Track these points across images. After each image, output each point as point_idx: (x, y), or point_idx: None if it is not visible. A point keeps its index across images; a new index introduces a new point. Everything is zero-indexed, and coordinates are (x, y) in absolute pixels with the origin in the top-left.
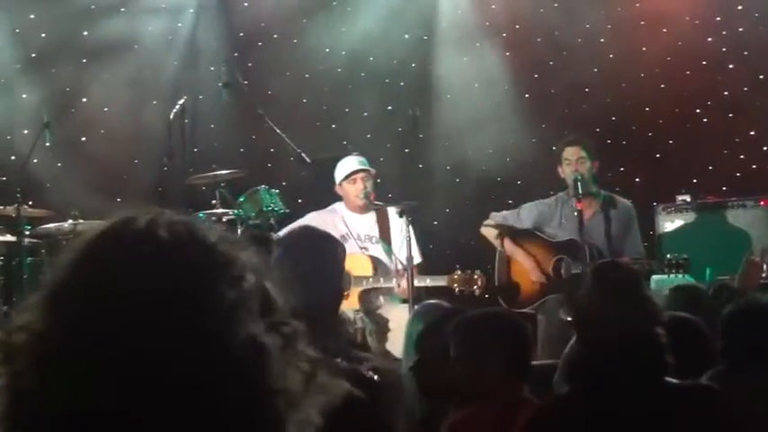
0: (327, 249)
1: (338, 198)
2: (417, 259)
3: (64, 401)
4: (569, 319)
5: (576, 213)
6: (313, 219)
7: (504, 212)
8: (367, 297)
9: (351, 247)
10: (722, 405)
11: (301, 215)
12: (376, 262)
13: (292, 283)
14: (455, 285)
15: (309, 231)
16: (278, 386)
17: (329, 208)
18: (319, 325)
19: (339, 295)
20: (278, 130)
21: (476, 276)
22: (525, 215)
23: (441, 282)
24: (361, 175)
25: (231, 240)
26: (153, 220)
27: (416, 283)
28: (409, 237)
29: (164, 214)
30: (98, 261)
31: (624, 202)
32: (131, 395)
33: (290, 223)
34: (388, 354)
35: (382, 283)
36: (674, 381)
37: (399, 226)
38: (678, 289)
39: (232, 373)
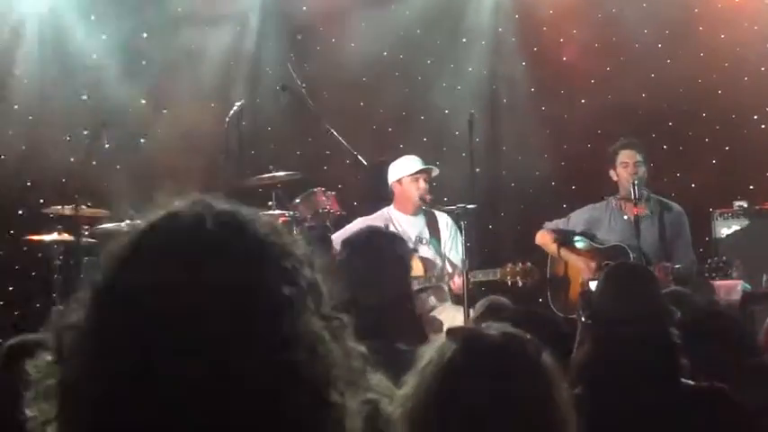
0: (393, 249)
1: (387, 203)
2: (460, 257)
3: (115, 399)
4: (583, 319)
5: (625, 217)
6: (361, 223)
7: (557, 221)
8: (418, 298)
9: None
10: (736, 408)
11: (357, 217)
12: (426, 263)
13: (360, 283)
14: (508, 277)
15: (375, 231)
16: (331, 378)
17: (376, 214)
18: (387, 322)
19: (407, 293)
20: (334, 133)
21: (528, 268)
22: (575, 221)
23: (493, 275)
24: (424, 175)
25: (282, 232)
26: (200, 214)
27: (473, 278)
28: (464, 239)
29: (211, 206)
30: (145, 257)
31: (676, 206)
32: (185, 393)
33: (345, 225)
34: None
35: (434, 283)
36: (689, 382)
37: (448, 229)
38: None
39: (289, 368)
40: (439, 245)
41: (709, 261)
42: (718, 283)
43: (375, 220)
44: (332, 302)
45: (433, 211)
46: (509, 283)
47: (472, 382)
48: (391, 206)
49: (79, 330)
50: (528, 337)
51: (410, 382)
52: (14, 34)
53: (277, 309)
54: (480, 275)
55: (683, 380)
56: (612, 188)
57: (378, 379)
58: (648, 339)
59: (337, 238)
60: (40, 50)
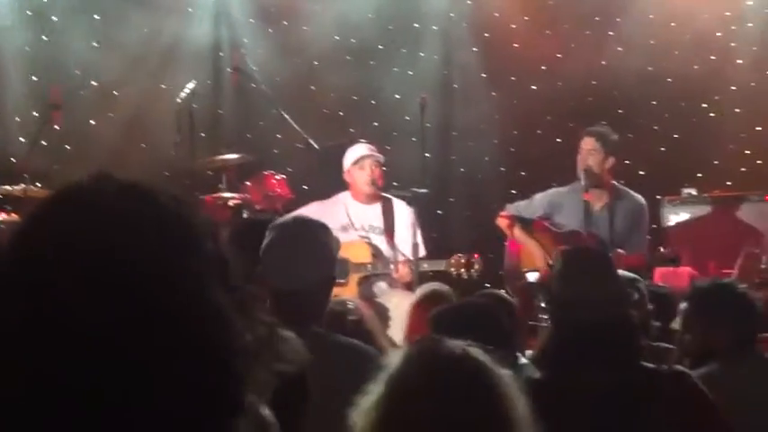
0: (318, 237)
1: (344, 187)
2: (422, 252)
3: (25, 381)
4: (543, 304)
5: (582, 204)
6: (314, 209)
7: (518, 203)
8: (366, 284)
9: (351, 236)
10: (695, 390)
11: (307, 202)
12: (375, 250)
13: (282, 267)
14: (453, 269)
15: (301, 219)
16: (238, 348)
17: (333, 198)
18: (306, 309)
19: (328, 282)
20: (286, 116)
21: (472, 260)
22: (537, 204)
23: (438, 266)
24: (369, 161)
25: (186, 204)
26: (98, 183)
27: (421, 267)
28: (415, 224)
29: (112, 179)
30: (43, 233)
31: (636, 197)
32: (91, 372)
33: (295, 209)
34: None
35: (381, 270)
36: (649, 365)
37: (405, 218)
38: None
39: (197, 338)
40: (392, 233)
41: (662, 251)
42: (665, 270)
43: (329, 204)
44: (241, 276)
45: (391, 199)
46: (454, 273)
47: (428, 401)
48: (348, 192)
49: None
50: (483, 353)
51: (374, 391)
52: None
53: (177, 278)
54: (426, 265)
55: (643, 363)
56: (566, 175)
57: (290, 346)
58: (607, 323)
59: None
60: None
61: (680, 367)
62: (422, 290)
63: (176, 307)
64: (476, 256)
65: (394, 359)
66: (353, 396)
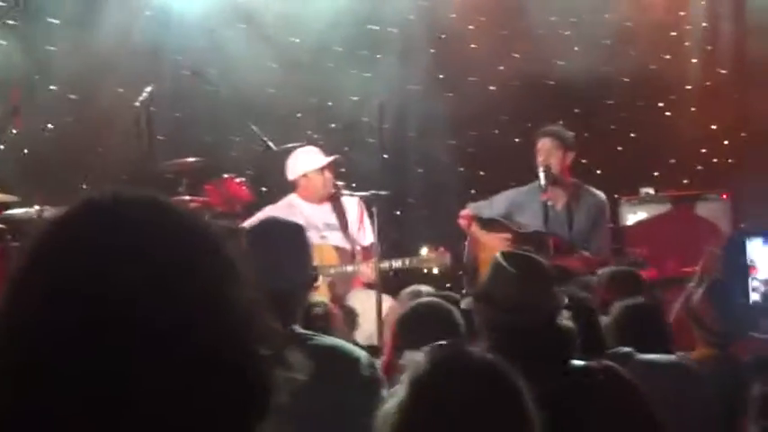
0: (296, 238)
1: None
2: (371, 239)
3: (35, 397)
4: (466, 307)
5: (549, 203)
6: (269, 213)
7: (479, 203)
8: (334, 286)
9: (312, 237)
10: (625, 383)
11: (266, 204)
12: (339, 251)
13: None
14: (423, 265)
15: (278, 221)
16: (265, 350)
17: (284, 201)
18: (287, 311)
19: (309, 283)
20: (245, 120)
21: (442, 254)
22: (498, 204)
23: (409, 263)
24: (326, 166)
25: (199, 213)
26: (116, 198)
27: (387, 266)
28: (372, 223)
29: (126, 192)
30: (62, 246)
31: (597, 195)
32: (116, 374)
33: (256, 212)
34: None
35: (349, 271)
36: (579, 362)
37: (356, 213)
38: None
39: (224, 340)
40: (346, 227)
41: (629, 256)
42: None
43: (280, 208)
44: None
45: (339, 197)
46: (424, 270)
47: (456, 406)
48: (294, 195)
49: None
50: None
51: (393, 400)
52: None
53: (205, 285)
54: (395, 263)
55: (573, 361)
56: (524, 175)
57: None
58: (538, 327)
59: (248, 226)
60: None
61: (609, 362)
62: (406, 293)
63: (206, 311)
64: (443, 249)
65: (416, 363)
66: (336, 397)
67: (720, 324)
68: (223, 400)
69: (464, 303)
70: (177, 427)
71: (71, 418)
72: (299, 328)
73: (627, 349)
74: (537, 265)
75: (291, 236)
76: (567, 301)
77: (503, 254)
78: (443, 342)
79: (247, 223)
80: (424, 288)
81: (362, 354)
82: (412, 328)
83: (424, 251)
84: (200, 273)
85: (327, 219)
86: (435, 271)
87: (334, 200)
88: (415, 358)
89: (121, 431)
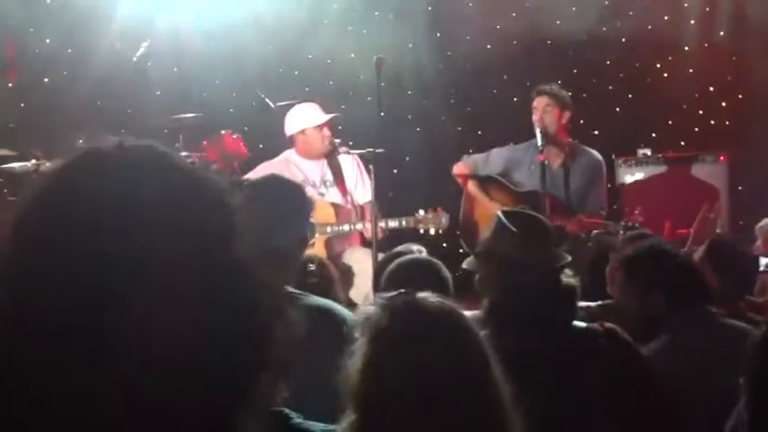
0: (294, 195)
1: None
2: (369, 197)
3: (37, 349)
4: (467, 267)
5: (546, 162)
6: (266, 169)
7: (475, 156)
8: (331, 244)
9: (310, 194)
10: (625, 345)
11: (263, 161)
12: (337, 208)
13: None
14: (420, 225)
15: (276, 178)
16: (268, 303)
17: (281, 157)
18: (280, 269)
19: (302, 242)
20: (240, 75)
21: (440, 215)
22: (494, 160)
23: (406, 223)
24: (328, 123)
25: (202, 165)
26: (119, 145)
27: (383, 225)
28: (373, 183)
29: (127, 140)
30: (67, 191)
31: (592, 154)
32: (111, 328)
33: (252, 168)
34: (351, 301)
35: (346, 229)
36: (581, 324)
37: (353, 169)
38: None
39: (227, 293)
40: (343, 182)
41: (628, 216)
42: None
43: (277, 164)
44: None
45: (335, 154)
46: (421, 230)
47: (409, 358)
48: (292, 150)
49: None
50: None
51: (357, 353)
52: None
53: (207, 236)
54: (392, 223)
55: (576, 322)
56: (522, 134)
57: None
58: (542, 285)
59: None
60: None
61: (611, 325)
62: (395, 252)
63: (203, 262)
64: (439, 209)
65: (372, 313)
66: (327, 357)
67: (719, 283)
68: (224, 351)
69: (466, 263)
70: (177, 375)
71: (66, 370)
72: (290, 287)
73: None
74: (539, 223)
75: (290, 194)
76: (568, 258)
77: (504, 212)
78: (396, 292)
79: (245, 179)
80: (416, 247)
81: (348, 314)
82: (398, 284)
83: (420, 212)
84: (203, 222)
85: (325, 175)
86: (432, 231)
87: (331, 157)
88: (368, 310)
89: (123, 378)
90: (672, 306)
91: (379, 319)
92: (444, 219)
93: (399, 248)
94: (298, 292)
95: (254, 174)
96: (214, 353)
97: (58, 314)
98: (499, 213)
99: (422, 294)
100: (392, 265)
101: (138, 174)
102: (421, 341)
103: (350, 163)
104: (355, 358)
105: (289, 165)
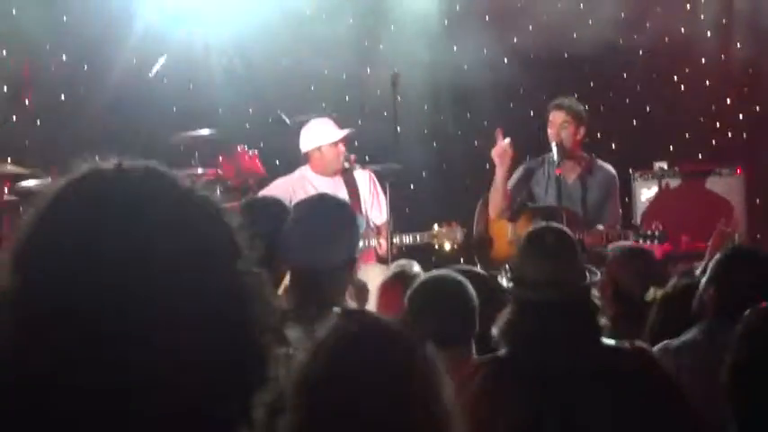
0: (343, 215)
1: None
2: (384, 217)
3: (44, 361)
4: (504, 282)
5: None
6: (281, 185)
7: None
8: None
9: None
10: (656, 366)
11: (279, 177)
12: None
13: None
14: (435, 240)
15: (325, 197)
16: (264, 323)
17: (296, 174)
18: (330, 288)
19: (351, 261)
20: (257, 91)
21: (456, 229)
22: (515, 175)
23: (421, 238)
24: (344, 140)
25: (201, 186)
26: (119, 167)
27: (398, 241)
28: (386, 198)
29: (127, 161)
30: (65, 211)
31: (607, 168)
32: (112, 349)
33: (268, 184)
34: None
35: (361, 246)
36: (610, 342)
37: (368, 187)
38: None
39: (223, 312)
40: (359, 202)
41: (645, 229)
42: None
43: (292, 181)
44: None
45: (351, 171)
46: (436, 245)
47: (350, 373)
48: (307, 167)
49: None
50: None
51: (302, 355)
52: None
53: (205, 252)
54: (408, 238)
55: (604, 340)
56: (539, 148)
57: (295, 334)
58: (567, 301)
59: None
60: None
61: (641, 343)
62: (392, 268)
63: (203, 282)
64: (454, 223)
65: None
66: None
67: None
68: (219, 369)
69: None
70: (175, 387)
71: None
72: (339, 307)
73: None
74: (564, 239)
75: (336, 213)
76: (597, 274)
77: (533, 229)
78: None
79: (260, 195)
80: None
81: (401, 330)
82: (421, 304)
83: (435, 227)
84: (203, 242)
85: (340, 193)
86: (447, 246)
87: (347, 174)
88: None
89: (124, 387)
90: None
91: (324, 333)
92: (459, 233)
93: (401, 266)
94: (349, 310)
95: (269, 190)
96: (213, 372)
97: (55, 347)
98: (528, 231)
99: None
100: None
101: (135, 195)
102: (354, 359)
103: (366, 181)
104: (295, 365)
105: (304, 182)
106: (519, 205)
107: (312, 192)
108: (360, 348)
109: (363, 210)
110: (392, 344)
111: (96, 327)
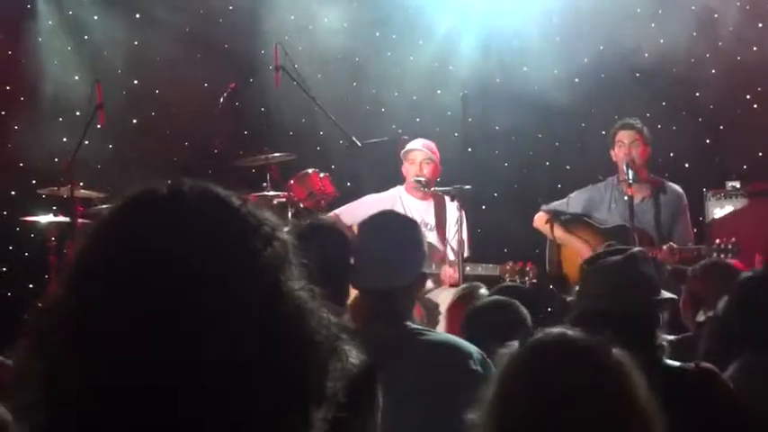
0: (413, 234)
1: (389, 183)
2: (467, 252)
3: (99, 377)
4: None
5: (626, 198)
6: (371, 201)
7: (554, 203)
8: None
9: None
10: (722, 387)
11: (351, 199)
12: (429, 247)
13: (374, 265)
14: (506, 275)
15: (393, 216)
16: (319, 339)
17: (389, 192)
18: (400, 305)
19: (420, 278)
20: (328, 114)
21: (527, 268)
22: (574, 202)
23: (492, 271)
24: (420, 157)
25: (255, 205)
26: (174, 187)
27: (467, 270)
28: (461, 220)
29: (184, 182)
30: (120, 233)
31: (675, 188)
32: (168, 366)
33: (339, 207)
34: None
35: (433, 270)
36: (675, 363)
37: (453, 215)
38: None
39: (279, 329)
40: (444, 230)
41: (718, 241)
42: None
43: (385, 199)
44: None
45: (443, 195)
46: (507, 280)
47: (557, 392)
48: (403, 186)
49: (59, 313)
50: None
51: (491, 388)
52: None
53: (257, 269)
54: (480, 269)
55: (668, 360)
56: (611, 168)
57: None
58: (634, 320)
59: (342, 212)
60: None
61: (707, 365)
62: (460, 289)
63: (259, 299)
64: (530, 264)
65: (510, 352)
66: (449, 391)
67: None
68: (276, 386)
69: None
70: (234, 405)
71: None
72: (411, 324)
73: None
74: (631, 256)
75: (405, 232)
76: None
77: (587, 261)
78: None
79: (342, 210)
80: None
81: (474, 349)
82: (479, 323)
83: (510, 264)
84: (256, 262)
85: (427, 217)
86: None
87: (438, 199)
88: (510, 348)
89: (185, 404)
90: None
91: (516, 355)
92: (531, 273)
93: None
94: (420, 327)
95: (361, 204)
96: (269, 388)
97: (101, 378)
98: (594, 253)
99: (570, 331)
100: (473, 306)
101: (189, 216)
102: (558, 379)
103: (453, 210)
104: (487, 395)
105: (393, 199)
106: (591, 227)
107: (400, 210)
108: (560, 368)
109: (446, 237)
110: (593, 360)
111: (149, 348)
